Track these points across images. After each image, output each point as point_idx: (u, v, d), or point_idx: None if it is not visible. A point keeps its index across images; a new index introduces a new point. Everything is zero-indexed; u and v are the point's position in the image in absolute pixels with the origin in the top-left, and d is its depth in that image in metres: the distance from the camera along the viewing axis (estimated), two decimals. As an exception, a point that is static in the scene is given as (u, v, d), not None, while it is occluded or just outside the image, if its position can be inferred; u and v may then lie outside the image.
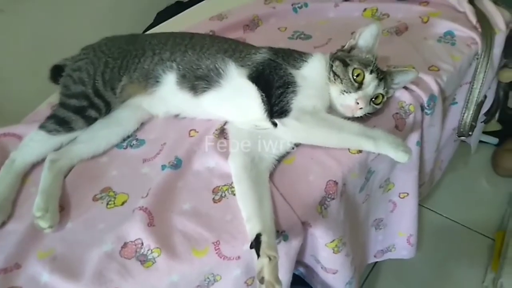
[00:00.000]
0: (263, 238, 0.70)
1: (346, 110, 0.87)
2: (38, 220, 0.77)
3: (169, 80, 0.94)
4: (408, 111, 0.95)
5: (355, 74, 0.86)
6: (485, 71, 1.11)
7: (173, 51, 0.96)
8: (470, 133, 1.22)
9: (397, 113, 0.94)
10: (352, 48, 0.92)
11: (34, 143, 0.90)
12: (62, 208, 0.83)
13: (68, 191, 0.86)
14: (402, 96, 0.96)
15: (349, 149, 0.86)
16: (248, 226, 0.74)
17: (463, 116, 1.18)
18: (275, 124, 0.85)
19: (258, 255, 0.69)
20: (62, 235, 0.79)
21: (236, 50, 0.95)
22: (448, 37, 1.13)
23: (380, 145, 0.82)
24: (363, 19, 1.25)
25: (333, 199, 0.82)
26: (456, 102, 1.20)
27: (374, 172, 0.96)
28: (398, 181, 1.05)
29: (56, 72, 1.02)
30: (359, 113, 0.87)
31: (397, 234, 1.17)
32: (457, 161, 1.56)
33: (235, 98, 0.91)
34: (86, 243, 0.77)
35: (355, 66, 0.87)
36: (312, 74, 0.89)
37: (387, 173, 1.01)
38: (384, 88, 0.89)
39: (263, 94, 0.87)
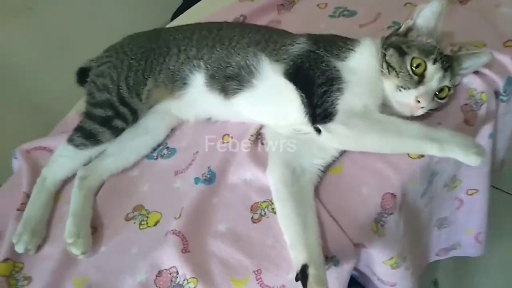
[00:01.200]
0: (310, 271, 0.61)
1: (404, 109, 0.73)
2: (70, 247, 0.74)
3: (198, 82, 0.84)
4: (480, 101, 0.79)
5: (415, 65, 0.72)
6: None
7: (199, 46, 0.86)
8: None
9: (466, 104, 0.78)
10: (409, 30, 0.77)
11: (63, 158, 0.87)
12: (95, 230, 0.79)
13: (100, 210, 0.82)
14: (472, 82, 0.79)
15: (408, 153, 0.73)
16: (293, 253, 0.65)
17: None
18: (318, 131, 0.73)
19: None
20: (95, 261, 0.75)
21: (269, 41, 0.82)
22: (528, 1, 0.92)
23: (447, 149, 0.68)
24: (419, -16, 1.06)
25: (391, 214, 0.71)
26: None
27: (438, 174, 0.82)
28: (466, 177, 0.90)
29: (83, 75, 0.97)
30: (420, 112, 0.73)
31: (464, 231, 1.04)
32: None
33: (270, 100, 0.80)
34: (120, 270, 0.72)
35: (414, 55, 0.72)
36: (361, 66, 0.75)
37: (453, 170, 0.86)
38: (450, 80, 0.74)
39: (303, 94, 0.75)
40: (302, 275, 0.61)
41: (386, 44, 0.76)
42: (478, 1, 0.96)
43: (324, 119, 0.72)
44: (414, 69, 0.72)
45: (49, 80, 1.63)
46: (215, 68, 0.83)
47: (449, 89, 0.74)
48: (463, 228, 1.03)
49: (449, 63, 0.74)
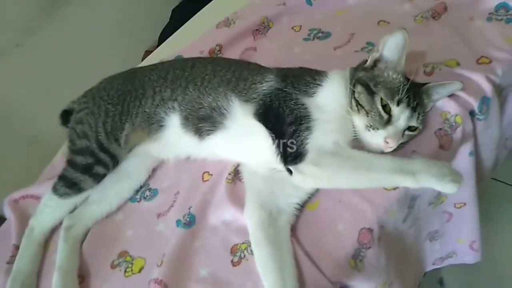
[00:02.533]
0: None
1: (374, 148, 0.73)
2: (58, 302, 0.75)
3: (173, 123, 0.85)
4: (454, 124, 0.78)
5: (383, 104, 0.71)
6: (553, 46, 0.88)
7: (173, 87, 0.86)
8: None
9: (440, 128, 0.78)
10: (376, 61, 0.76)
11: (48, 209, 0.88)
12: (83, 279, 0.81)
13: (86, 258, 0.83)
14: (446, 105, 0.79)
15: (385, 184, 0.73)
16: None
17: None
18: (290, 172, 0.73)
19: None
20: (84, 314, 0.76)
21: (240, 79, 0.83)
22: (502, 12, 0.90)
23: (421, 180, 0.68)
24: (389, 3, 1.04)
25: (369, 248, 0.71)
26: (519, 81, 0.98)
27: (420, 196, 0.82)
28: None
29: (66, 117, 0.98)
30: (389, 150, 0.72)
31: (457, 241, 1.03)
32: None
33: (242, 141, 0.80)
34: (107, 322, 0.74)
35: (381, 95, 0.72)
36: (329, 101, 0.75)
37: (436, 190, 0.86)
38: (418, 119, 0.73)
39: (273, 134, 0.75)
40: None
41: (355, 79, 0.75)
42: (451, 15, 0.95)
43: (294, 159, 0.72)
44: (383, 108, 0.72)
45: (41, 114, 1.65)
46: (188, 110, 0.83)
47: (416, 128, 0.74)
48: (455, 239, 1.02)
49: (417, 100, 0.73)
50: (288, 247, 0.70)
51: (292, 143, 0.72)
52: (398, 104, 0.71)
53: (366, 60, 0.78)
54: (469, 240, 1.01)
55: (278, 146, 0.75)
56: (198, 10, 1.42)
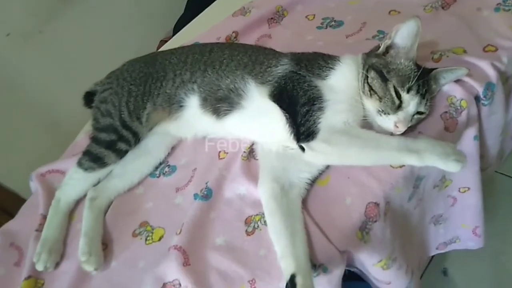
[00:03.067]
0: (298, 280, 0.66)
1: (384, 131, 0.77)
2: (83, 264, 0.81)
3: (193, 104, 0.90)
4: (459, 108, 0.82)
5: (395, 92, 0.76)
6: (558, 37, 0.91)
7: (193, 70, 0.91)
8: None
9: (446, 112, 0.82)
10: (388, 48, 0.80)
11: (74, 181, 0.94)
12: (106, 246, 0.87)
13: (109, 228, 0.89)
14: (452, 90, 0.83)
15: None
16: (282, 264, 0.71)
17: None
18: (302, 149, 0.78)
19: None
20: (107, 275, 0.83)
21: (256, 62, 0.87)
22: (510, 2, 0.94)
23: (426, 158, 0.71)
24: (401, -9, 1.08)
25: (375, 221, 0.75)
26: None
27: (425, 177, 0.86)
28: (456, 177, 0.93)
29: (89, 98, 1.04)
30: (399, 133, 0.77)
31: (460, 226, 1.07)
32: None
33: (258, 120, 0.85)
34: (129, 284, 0.80)
35: (394, 83, 0.76)
36: (341, 84, 0.79)
37: (441, 172, 0.90)
38: (426, 104, 0.78)
39: (288, 114, 0.80)
40: (291, 284, 0.67)
41: (367, 65, 0.79)
42: (460, 5, 0.99)
43: (307, 137, 0.76)
44: (395, 95, 0.76)
45: (62, 99, 1.72)
46: (207, 91, 0.88)
47: (423, 113, 0.79)
48: (459, 223, 1.06)
49: (426, 87, 0.77)
50: (299, 217, 0.75)
51: (305, 122, 0.77)
52: (408, 92, 0.76)
53: (379, 47, 0.81)
54: (473, 225, 1.04)
55: (291, 125, 0.79)
56: (213, 1, 1.47)
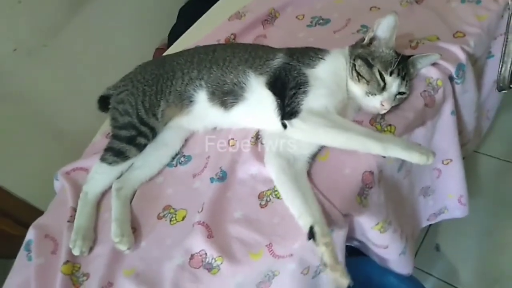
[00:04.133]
0: (316, 229, 0.78)
1: (372, 110, 0.90)
2: (117, 245, 0.91)
3: (201, 98, 1.01)
4: (436, 87, 0.95)
5: (379, 75, 0.88)
6: (518, 22, 1.05)
7: (199, 68, 1.02)
8: (511, 85, 1.17)
9: (425, 90, 0.94)
10: (372, 40, 0.92)
11: (99, 175, 1.03)
12: (135, 229, 0.96)
13: (136, 213, 0.99)
14: (429, 72, 0.95)
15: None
16: (301, 222, 0.81)
17: (501, 70, 1.14)
18: (284, 126, 0.89)
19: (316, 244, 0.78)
20: (139, 254, 0.92)
21: (255, 57, 0.99)
22: (473, -5, 1.08)
23: (389, 149, 0.81)
24: (380, -11, 1.21)
25: (371, 187, 0.87)
26: (493, 55, 1.15)
27: (411, 150, 0.98)
28: (439, 149, 1.05)
29: (103, 102, 1.13)
30: (384, 111, 0.89)
31: (447, 196, 1.18)
32: (510, 99, 1.44)
33: (258, 109, 0.96)
34: (159, 258, 0.89)
35: (378, 67, 0.88)
36: (327, 72, 0.91)
37: (425, 145, 1.02)
38: (406, 85, 0.90)
39: (279, 99, 0.91)
40: (311, 234, 0.78)
41: (354, 55, 0.92)
42: (431, -1, 1.12)
43: (290, 116, 0.88)
44: (380, 78, 0.88)
45: (67, 109, 1.81)
46: (214, 86, 0.99)
47: (404, 93, 0.91)
48: (446, 194, 1.17)
49: (405, 70, 0.90)
50: (307, 182, 0.86)
51: (290, 103, 0.89)
52: (391, 74, 0.88)
53: (363, 39, 0.94)
54: (458, 195, 1.15)
55: (280, 107, 0.91)
56: (204, 9, 1.56)
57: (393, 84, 0.89)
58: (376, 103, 0.89)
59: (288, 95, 0.90)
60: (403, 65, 0.90)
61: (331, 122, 0.85)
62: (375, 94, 0.88)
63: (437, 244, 1.51)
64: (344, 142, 0.85)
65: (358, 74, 0.90)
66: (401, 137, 0.87)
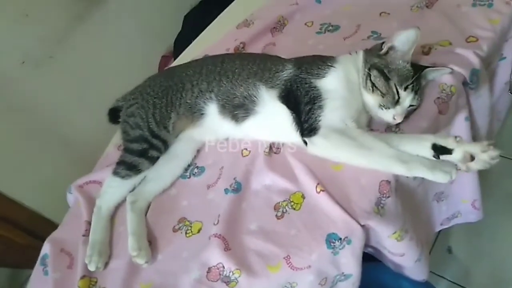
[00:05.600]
0: (440, 141, 0.79)
1: (383, 121, 0.91)
2: (135, 258, 0.91)
3: (212, 111, 1.00)
4: (450, 93, 0.94)
5: (396, 89, 0.88)
6: (530, 25, 1.04)
7: (209, 80, 1.01)
8: (523, 87, 1.17)
9: (438, 97, 0.93)
10: (389, 49, 0.91)
11: (112, 189, 1.03)
12: (150, 243, 0.96)
13: (151, 226, 0.99)
14: (442, 78, 0.95)
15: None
16: (421, 153, 0.82)
17: (513, 73, 1.13)
18: (305, 143, 0.89)
19: (450, 153, 0.79)
20: (156, 267, 0.92)
21: (265, 69, 0.98)
22: (483, -2, 1.07)
23: (414, 169, 0.81)
24: (389, -6, 1.21)
25: (389, 197, 0.86)
26: (505, 57, 1.14)
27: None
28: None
29: (113, 114, 1.13)
30: (395, 123, 0.90)
31: (460, 201, 1.18)
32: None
33: (272, 122, 0.96)
34: (176, 272, 0.89)
35: (395, 82, 0.88)
36: (338, 81, 0.91)
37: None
38: (417, 99, 0.90)
39: (294, 113, 0.91)
40: (437, 149, 0.80)
41: (370, 64, 0.91)
42: (442, 3, 1.11)
43: (309, 133, 0.88)
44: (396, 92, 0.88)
45: (74, 120, 1.82)
46: (224, 100, 0.99)
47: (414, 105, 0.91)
48: (459, 199, 1.16)
49: (418, 85, 0.90)
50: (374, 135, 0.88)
51: (308, 119, 0.88)
52: (405, 90, 0.88)
53: (379, 47, 0.93)
54: (471, 199, 1.15)
55: (297, 123, 0.91)
56: (208, 16, 1.57)
57: (407, 98, 0.89)
58: (389, 116, 0.89)
59: (303, 110, 0.89)
60: (416, 78, 0.90)
61: (353, 141, 0.84)
62: (389, 108, 0.88)
63: (449, 246, 1.50)
64: (367, 163, 0.85)
65: (373, 85, 0.89)
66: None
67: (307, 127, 0.89)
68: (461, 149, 0.78)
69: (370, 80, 0.89)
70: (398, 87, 0.88)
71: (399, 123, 0.90)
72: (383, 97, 0.89)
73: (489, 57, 1.01)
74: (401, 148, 0.83)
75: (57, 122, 1.79)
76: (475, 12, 1.05)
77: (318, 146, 0.87)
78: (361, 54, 0.94)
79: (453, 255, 1.49)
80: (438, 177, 0.80)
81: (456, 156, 0.79)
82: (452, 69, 0.94)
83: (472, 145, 0.78)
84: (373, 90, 0.89)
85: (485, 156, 0.76)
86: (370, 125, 0.94)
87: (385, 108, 0.88)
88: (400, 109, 0.88)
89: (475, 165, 0.78)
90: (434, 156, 0.80)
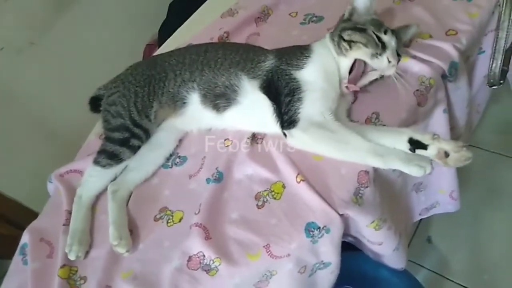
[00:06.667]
0: (416, 136, 0.81)
1: (379, 72, 0.91)
2: (116, 247, 0.91)
3: (194, 100, 1.00)
4: (429, 86, 0.95)
5: (375, 35, 0.89)
6: (509, 19, 1.06)
7: (191, 70, 1.01)
8: (501, 81, 1.19)
9: (417, 90, 0.95)
10: (351, 14, 0.94)
11: (93, 178, 1.03)
12: (131, 232, 0.96)
13: (132, 215, 0.99)
14: (422, 70, 0.96)
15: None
16: (398, 146, 0.83)
17: (491, 66, 1.15)
18: (285, 135, 0.90)
19: (425, 148, 0.81)
20: (136, 256, 0.92)
21: (247, 60, 0.98)
22: (465, -8, 1.08)
23: (389, 161, 0.83)
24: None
25: (367, 187, 0.87)
26: (484, 51, 1.16)
27: (404, 148, 0.99)
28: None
29: (94, 103, 1.12)
30: (392, 70, 0.90)
31: (438, 191, 1.20)
32: (499, 92, 1.44)
33: (253, 112, 0.96)
34: (157, 260, 0.90)
35: (372, 28, 0.89)
36: (315, 71, 0.91)
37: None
38: (399, 46, 0.92)
39: (274, 104, 0.91)
40: (412, 143, 0.82)
41: (338, 31, 0.92)
42: (424, -4, 1.12)
43: (289, 125, 0.88)
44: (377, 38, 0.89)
45: (57, 108, 1.79)
46: (206, 89, 0.98)
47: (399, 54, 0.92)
48: (437, 189, 1.19)
49: (395, 33, 0.92)
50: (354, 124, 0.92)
51: (287, 111, 0.89)
52: (385, 33, 0.89)
53: (341, 17, 0.95)
54: (449, 190, 1.17)
55: (278, 114, 0.91)
56: (194, 4, 1.55)
57: (391, 41, 0.90)
58: (384, 62, 0.89)
59: (284, 102, 0.90)
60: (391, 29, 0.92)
61: (331, 134, 0.86)
62: (380, 54, 0.88)
63: (429, 236, 1.54)
64: (344, 156, 0.86)
65: (350, 41, 0.90)
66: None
67: (286, 119, 0.89)
68: (435, 146, 0.80)
69: (345, 40, 0.90)
70: (377, 33, 0.89)
71: (379, 114, 0.91)
72: (366, 46, 0.89)
73: (468, 51, 1.03)
74: (379, 141, 0.85)
75: (38, 110, 1.76)
76: (455, 5, 1.07)
77: (297, 138, 0.88)
78: (327, 35, 0.96)
79: (432, 245, 1.52)
80: (412, 170, 0.82)
81: (430, 152, 0.81)
82: (419, 25, 0.98)
83: (447, 143, 0.80)
84: (351, 47, 0.89)
85: (457, 155, 0.79)
86: (351, 115, 0.94)
87: (377, 56, 0.88)
88: (390, 51, 0.89)
89: (449, 162, 0.80)
90: (410, 149, 0.82)
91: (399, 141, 0.84)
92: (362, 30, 0.90)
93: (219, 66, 0.98)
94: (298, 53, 0.94)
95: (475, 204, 1.50)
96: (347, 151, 0.86)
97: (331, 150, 0.87)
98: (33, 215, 1.13)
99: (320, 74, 0.91)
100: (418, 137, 0.81)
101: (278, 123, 0.91)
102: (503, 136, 1.66)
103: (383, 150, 0.84)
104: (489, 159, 1.63)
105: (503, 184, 1.56)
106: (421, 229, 1.55)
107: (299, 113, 0.88)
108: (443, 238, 1.53)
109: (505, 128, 1.67)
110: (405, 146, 0.83)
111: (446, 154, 0.80)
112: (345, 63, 0.92)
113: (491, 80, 1.19)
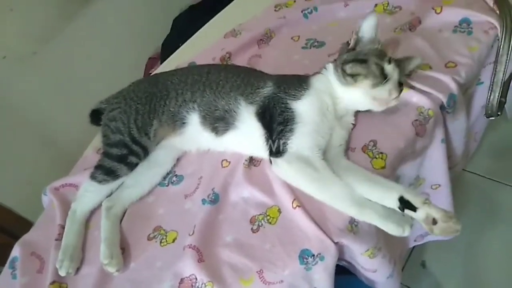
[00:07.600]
0: (407, 196, 0.79)
1: (380, 104, 0.90)
2: (106, 266, 0.90)
3: (194, 121, 1.00)
4: (427, 116, 0.96)
5: (376, 65, 0.88)
6: (507, 54, 1.08)
7: (193, 90, 1.01)
8: (499, 113, 1.20)
9: (416, 120, 0.95)
10: (356, 43, 0.93)
11: (89, 193, 1.02)
12: (124, 250, 0.95)
13: (125, 233, 0.98)
14: (420, 101, 0.97)
15: (372, 165, 0.90)
16: (386, 202, 0.81)
17: (489, 98, 1.17)
18: (271, 162, 0.90)
19: (414, 210, 0.79)
20: (128, 276, 0.91)
21: (247, 84, 0.98)
22: (464, 25, 1.10)
23: (365, 214, 0.82)
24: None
25: (362, 215, 0.88)
26: (482, 82, 1.17)
27: (401, 177, 0.99)
28: (428, 175, 1.08)
29: (95, 116, 1.12)
30: (394, 103, 0.90)
31: (434, 219, 1.20)
32: (496, 119, 1.41)
33: (248, 139, 0.96)
34: (149, 281, 0.89)
35: (374, 59, 0.88)
36: (311, 104, 0.91)
37: (415, 172, 1.04)
38: (402, 77, 0.92)
39: (267, 131, 0.91)
40: (403, 202, 0.79)
41: (340, 63, 0.92)
42: (424, 28, 1.14)
43: (276, 153, 0.88)
44: (379, 69, 0.88)
45: (58, 118, 1.79)
46: (206, 111, 0.98)
47: (401, 84, 0.92)
48: (432, 217, 1.20)
49: (397, 63, 0.92)
50: (354, 166, 0.89)
51: (277, 140, 0.88)
52: (389, 63, 0.89)
53: (345, 46, 0.95)
54: None
55: (267, 140, 0.91)
56: (197, 22, 1.57)
57: (394, 73, 0.88)
58: (385, 92, 0.88)
59: (275, 130, 0.89)
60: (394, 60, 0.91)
61: (314, 172, 0.85)
62: (380, 84, 0.87)
63: (423, 261, 1.53)
64: (321, 197, 0.85)
65: (353, 75, 0.89)
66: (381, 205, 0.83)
67: (276, 147, 0.89)
68: (425, 211, 0.77)
69: (348, 74, 0.89)
70: (379, 62, 0.88)
71: (377, 142, 0.91)
72: (367, 77, 0.87)
73: (467, 83, 1.04)
74: (368, 190, 0.83)
75: (36, 120, 1.76)
76: (455, 38, 1.08)
77: (281, 168, 0.88)
78: (331, 66, 0.95)
79: (426, 270, 1.51)
80: (389, 228, 0.81)
81: (419, 215, 0.78)
82: (423, 58, 0.98)
83: (437, 211, 0.77)
84: (355, 80, 0.88)
85: (445, 226, 0.76)
86: (348, 144, 0.95)
87: (380, 85, 0.87)
88: (392, 83, 0.88)
89: (435, 230, 0.77)
90: (398, 208, 0.80)
91: (389, 196, 0.81)
92: (363, 61, 0.89)
93: (220, 89, 0.99)
94: (297, 83, 0.94)
95: (470, 230, 1.50)
96: (325, 194, 0.84)
97: (310, 188, 0.86)
98: (28, 224, 1.12)
99: (316, 108, 0.91)
100: (409, 197, 0.79)
101: (267, 149, 0.91)
102: (499, 163, 1.67)
103: (363, 201, 0.82)
104: (485, 185, 1.64)
105: (499, 210, 1.56)
106: (415, 253, 1.54)
107: (288, 144, 0.87)
108: (438, 263, 1.52)
109: (501, 155, 1.68)
110: (394, 204, 0.80)
111: (434, 221, 0.77)
112: (355, 93, 0.90)
113: (489, 112, 1.20)
